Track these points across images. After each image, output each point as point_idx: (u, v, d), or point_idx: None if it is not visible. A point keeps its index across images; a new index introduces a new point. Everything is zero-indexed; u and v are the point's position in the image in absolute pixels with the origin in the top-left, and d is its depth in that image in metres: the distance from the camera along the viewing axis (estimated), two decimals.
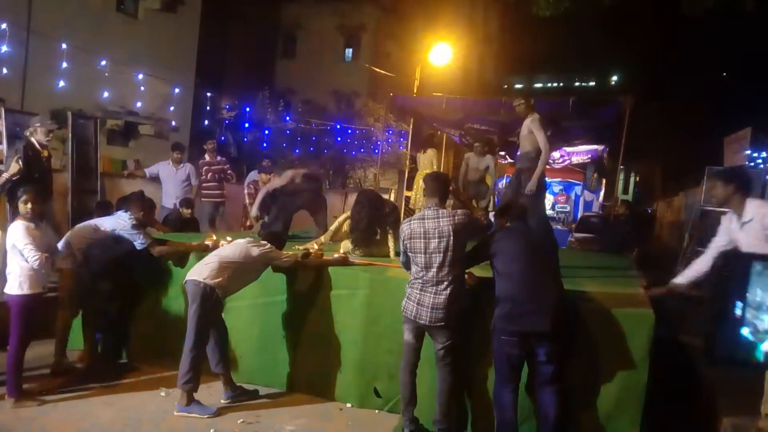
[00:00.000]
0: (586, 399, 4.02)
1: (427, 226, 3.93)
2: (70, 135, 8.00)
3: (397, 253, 4.53)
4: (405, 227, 4.04)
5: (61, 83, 10.97)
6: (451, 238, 3.88)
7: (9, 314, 4.23)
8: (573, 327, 4.02)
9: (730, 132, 13.60)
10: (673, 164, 24.92)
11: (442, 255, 3.88)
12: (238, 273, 4.42)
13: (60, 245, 4.75)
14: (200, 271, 4.30)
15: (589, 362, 4.04)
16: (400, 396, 4.17)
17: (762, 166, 14.27)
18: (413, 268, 4.03)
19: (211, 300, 4.25)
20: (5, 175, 3.96)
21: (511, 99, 10.56)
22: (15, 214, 4.80)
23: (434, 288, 3.89)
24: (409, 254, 4.02)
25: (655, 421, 4.00)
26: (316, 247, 5.54)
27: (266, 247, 4.57)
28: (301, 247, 5.55)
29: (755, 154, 15.51)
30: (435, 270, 3.89)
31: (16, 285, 4.20)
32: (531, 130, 5.74)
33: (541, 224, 5.78)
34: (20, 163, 4.04)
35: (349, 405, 4.56)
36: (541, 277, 3.80)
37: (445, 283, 3.89)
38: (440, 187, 4.12)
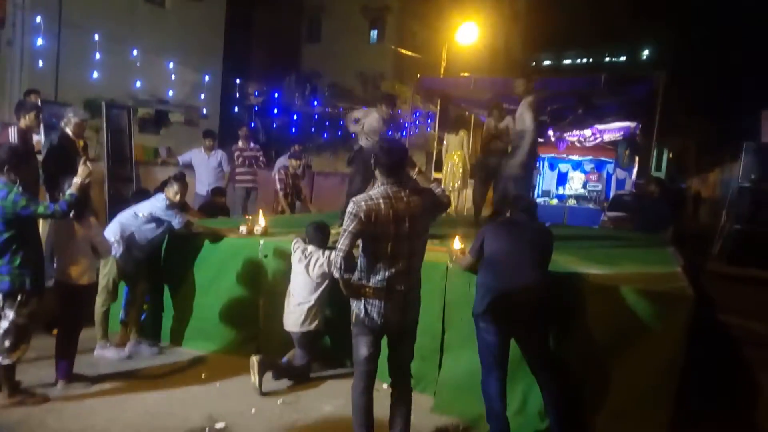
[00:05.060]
0: (615, 382, 3.97)
1: (396, 206, 3.19)
2: (104, 125, 8.15)
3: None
4: (366, 205, 3.15)
5: (95, 74, 11.18)
6: (422, 220, 3.30)
7: (59, 300, 4.35)
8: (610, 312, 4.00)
9: None
10: (708, 139, 24.33)
11: (413, 241, 3.26)
12: (324, 298, 4.59)
13: (107, 234, 4.86)
14: (294, 322, 4.56)
15: (620, 343, 3.99)
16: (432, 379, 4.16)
17: None
18: (366, 261, 3.25)
19: (318, 341, 4.68)
20: (77, 180, 4.03)
21: (540, 77, 10.46)
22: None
23: (404, 283, 3.27)
24: (368, 243, 3.23)
25: (689, 406, 3.96)
26: None
27: (322, 258, 4.56)
28: (333, 231, 5.59)
29: None
30: (405, 259, 3.24)
31: (71, 274, 4.31)
32: (523, 111, 5.88)
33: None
34: (89, 165, 4.10)
35: (385, 386, 4.61)
36: (522, 267, 3.73)
37: (415, 274, 3.35)
38: (397, 161, 3.28)
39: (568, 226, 5.85)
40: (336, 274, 3.30)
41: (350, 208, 3.19)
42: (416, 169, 3.67)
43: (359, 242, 3.26)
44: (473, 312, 3.84)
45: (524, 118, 5.88)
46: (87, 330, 4.92)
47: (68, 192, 3.99)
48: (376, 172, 3.31)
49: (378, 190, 3.26)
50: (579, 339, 4.09)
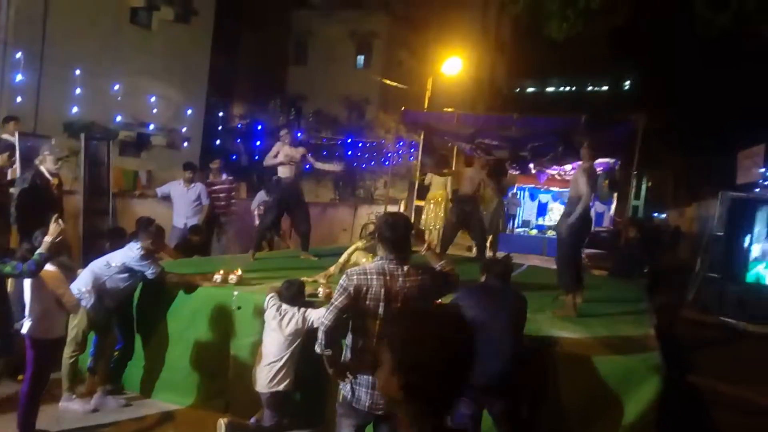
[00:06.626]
0: None
1: (390, 285, 3.06)
2: (82, 156, 8.06)
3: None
4: (357, 280, 3.05)
5: (76, 97, 11.09)
6: (419, 303, 3.10)
7: (30, 356, 4.20)
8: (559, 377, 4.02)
9: (746, 145, 13.43)
10: (686, 173, 24.76)
11: None
12: (295, 357, 4.46)
13: (77, 285, 4.77)
14: (263, 382, 4.40)
15: (590, 413, 4.00)
16: None
17: None
18: (353, 338, 3.15)
19: (288, 401, 4.49)
20: (47, 239, 3.91)
21: (522, 116, 10.60)
22: (27, 247, 4.83)
23: None
24: (356, 320, 3.13)
25: None
26: (323, 280, 5.55)
27: (298, 315, 4.49)
28: (309, 279, 5.57)
29: None
30: None
31: (42, 328, 4.19)
32: (578, 176, 5.70)
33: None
34: (60, 223, 3.98)
35: None
36: (496, 338, 3.69)
37: None
38: (401, 237, 3.15)
39: (538, 269, 5.95)
40: (318, 350, 3.13)
41: (341, 281, 3.12)
42: (425, 245, 3.48)
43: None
44: None
45: (579, 183, 5.62)
46: (53, 376, 4.82)
47: (38, 251, 3.90)
48: (378, 247, 3.20)
49: (375, 264, 3.14)
50: (550, 408, 4.09)
